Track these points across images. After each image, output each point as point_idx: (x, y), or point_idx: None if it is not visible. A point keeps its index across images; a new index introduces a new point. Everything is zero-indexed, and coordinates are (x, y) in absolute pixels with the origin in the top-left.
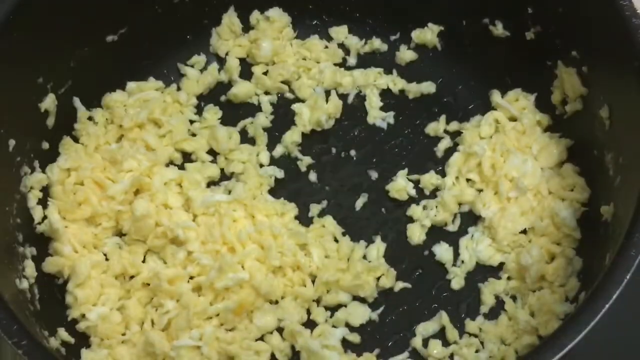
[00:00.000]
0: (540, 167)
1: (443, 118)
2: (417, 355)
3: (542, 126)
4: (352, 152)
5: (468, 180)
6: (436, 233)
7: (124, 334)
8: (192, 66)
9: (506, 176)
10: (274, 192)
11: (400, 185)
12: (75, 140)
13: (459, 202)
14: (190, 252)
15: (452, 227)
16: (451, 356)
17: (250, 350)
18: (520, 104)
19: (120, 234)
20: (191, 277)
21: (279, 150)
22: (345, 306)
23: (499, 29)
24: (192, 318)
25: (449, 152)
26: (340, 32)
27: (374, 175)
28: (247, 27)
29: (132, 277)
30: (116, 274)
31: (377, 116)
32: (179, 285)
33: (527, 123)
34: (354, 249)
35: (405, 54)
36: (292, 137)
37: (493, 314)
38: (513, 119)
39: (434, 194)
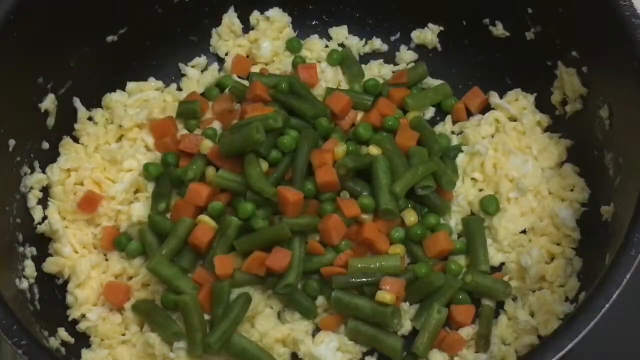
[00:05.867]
0: (540, 167)
1: (449, 119)
2: None
3: (542, 126)
4: None
5: (472, 179)
6: None
7: (123, 335)
8: (192, 66)
9: (507, 177)
10: None
11: None
12: (75, 140)
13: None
14: None
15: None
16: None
17: None
18: (520, 104)
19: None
20: None
21: None
22: None
23: (499, 29)
24: None
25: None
26: (340, 32)
27: None
28: (247, 27)
29: (131, 277)
30: (116, 274)
31: None
32: None
33: (527, 123)
34: None
35: (405, 54)
36: None
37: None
38: (513, 118)
39: None
